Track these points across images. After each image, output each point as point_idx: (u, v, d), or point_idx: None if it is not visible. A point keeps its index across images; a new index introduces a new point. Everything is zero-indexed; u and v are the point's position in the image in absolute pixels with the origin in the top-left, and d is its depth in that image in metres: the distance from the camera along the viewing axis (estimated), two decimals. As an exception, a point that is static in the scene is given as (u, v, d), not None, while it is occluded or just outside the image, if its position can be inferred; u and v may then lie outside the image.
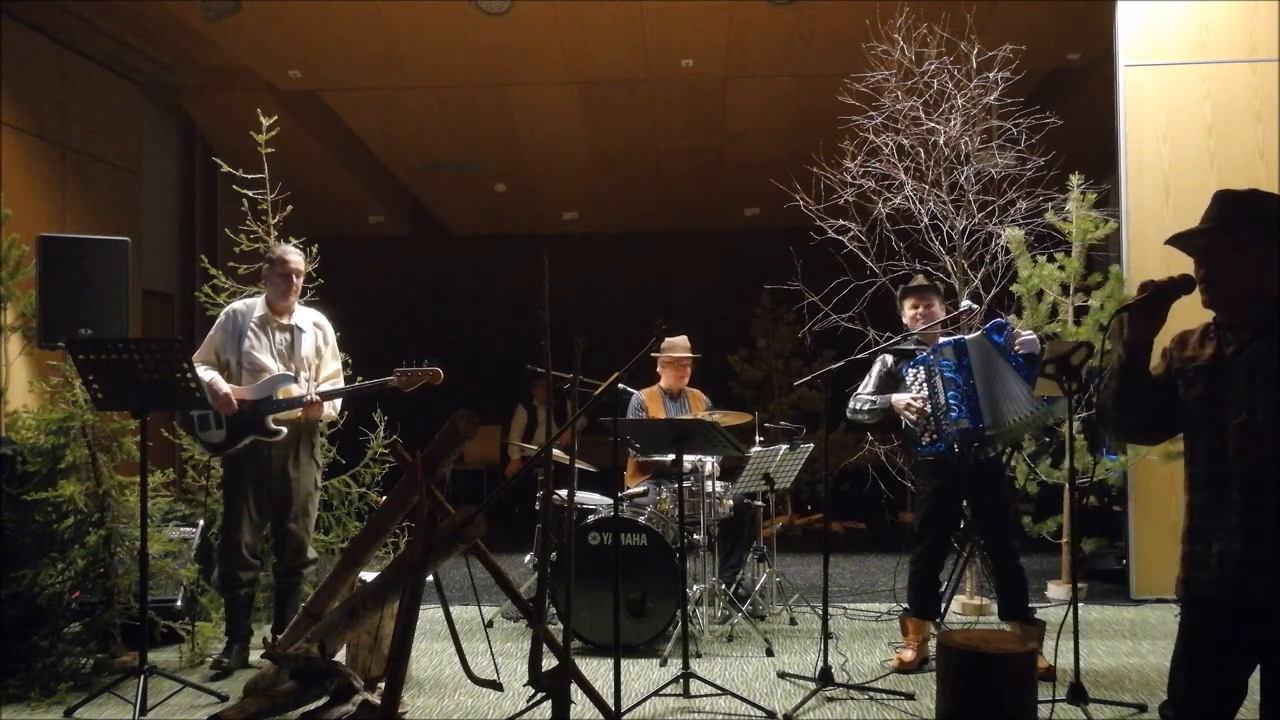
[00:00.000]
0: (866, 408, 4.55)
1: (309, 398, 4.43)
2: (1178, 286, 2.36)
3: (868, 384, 4.64)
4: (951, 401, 4.24)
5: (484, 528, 2.98)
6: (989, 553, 4.57)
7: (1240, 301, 2.36)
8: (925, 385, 4.34)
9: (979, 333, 4.37)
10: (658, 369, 5.86)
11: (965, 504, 4.60)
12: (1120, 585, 6.03)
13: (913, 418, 4.38)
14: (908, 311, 4.65)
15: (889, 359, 4.61)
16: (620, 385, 3.60)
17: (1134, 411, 2.46)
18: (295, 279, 4.56)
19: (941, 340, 4.40)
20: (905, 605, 4.58)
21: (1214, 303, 2.39)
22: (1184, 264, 2.45)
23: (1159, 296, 2.36)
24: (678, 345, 5.76)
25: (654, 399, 5.77)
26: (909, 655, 4.42)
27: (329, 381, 4.66)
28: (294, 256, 4.60)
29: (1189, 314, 2.46)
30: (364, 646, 4.04)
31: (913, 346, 4.54)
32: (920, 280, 4.81)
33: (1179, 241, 2.43)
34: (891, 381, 4.57)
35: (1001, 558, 4.41)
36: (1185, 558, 2.42)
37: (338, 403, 4.68)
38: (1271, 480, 2.25)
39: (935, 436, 4.31)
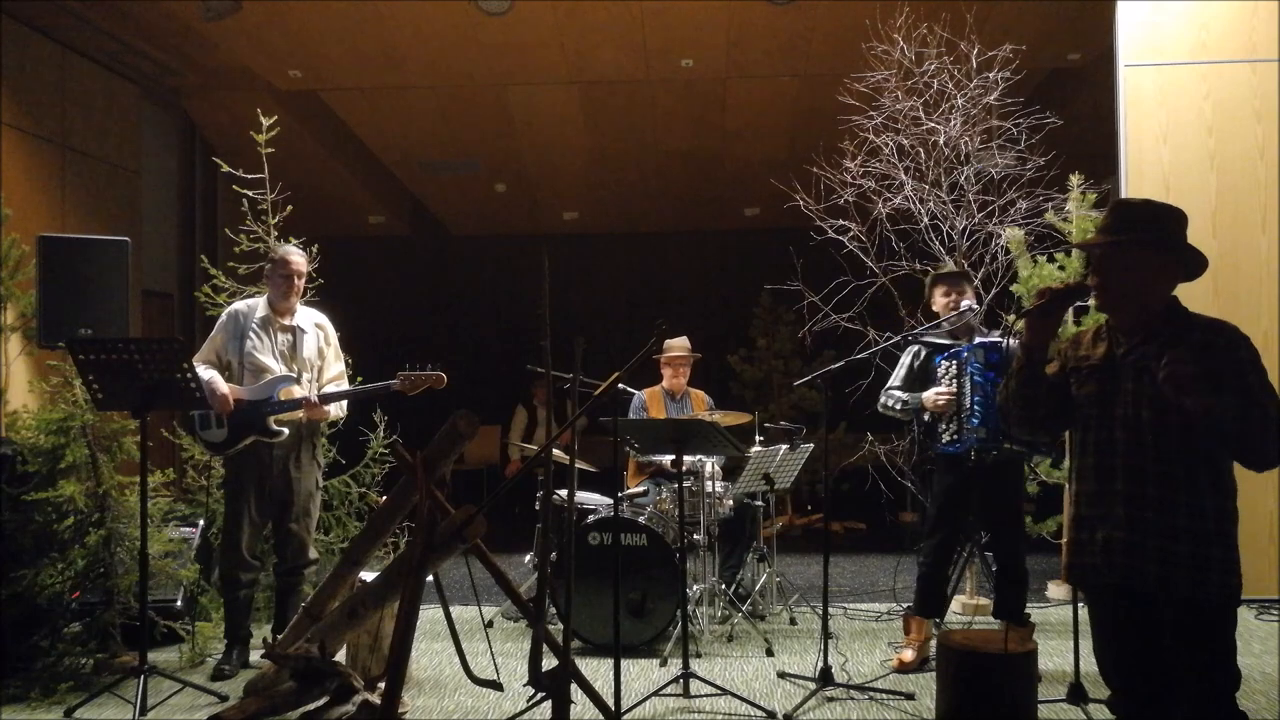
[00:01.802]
0: (899, 406, 4.46)
1: (309, 399, 4.43)
2: (1073, 293, 2.55)
3: (898, 375, 4.56)
4: (976, 407, 4.14)
5: (484, 528, 2.97)
6: (996, 550, 4.51)
7: (1130, 307, 2.50)
8: (955, 381, 4.24)
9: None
10: (659, 368, 5.86)
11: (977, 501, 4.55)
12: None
13: (942, 406, 4.26)
14: (939, 300, 4.53)
15: (921, 350, 4.50)
16: (621, 385, 3.60)
17: (1030, 409, 2.63)
18: (297, 280, 4.56)
19: (978, 339, 4.31)
20: (908, 604, 4.55)
21: (1106, 307, 2.55)
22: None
23: (1055, 302, 2.54)
24: (676, 345, 5.77)
25: (655, 399, 5.77)
26: (909, 655, 4.40)
27: (333, 382, 4.66)
28: (296, 257, 4.60)
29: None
30: (364, 646, 4.04)
31: (945, 341, 4.43)
32: (952, 267, 4.73)
33: (1079, 249, 2.58)
34: (921, 375, 4.48)
35: (1007, 558, 4.36)
36: (1070, 545, 2.57)
37: (343, 403, 4.68)
38: (1153, 472, 2.40)
39: (956, 437, 4.23)
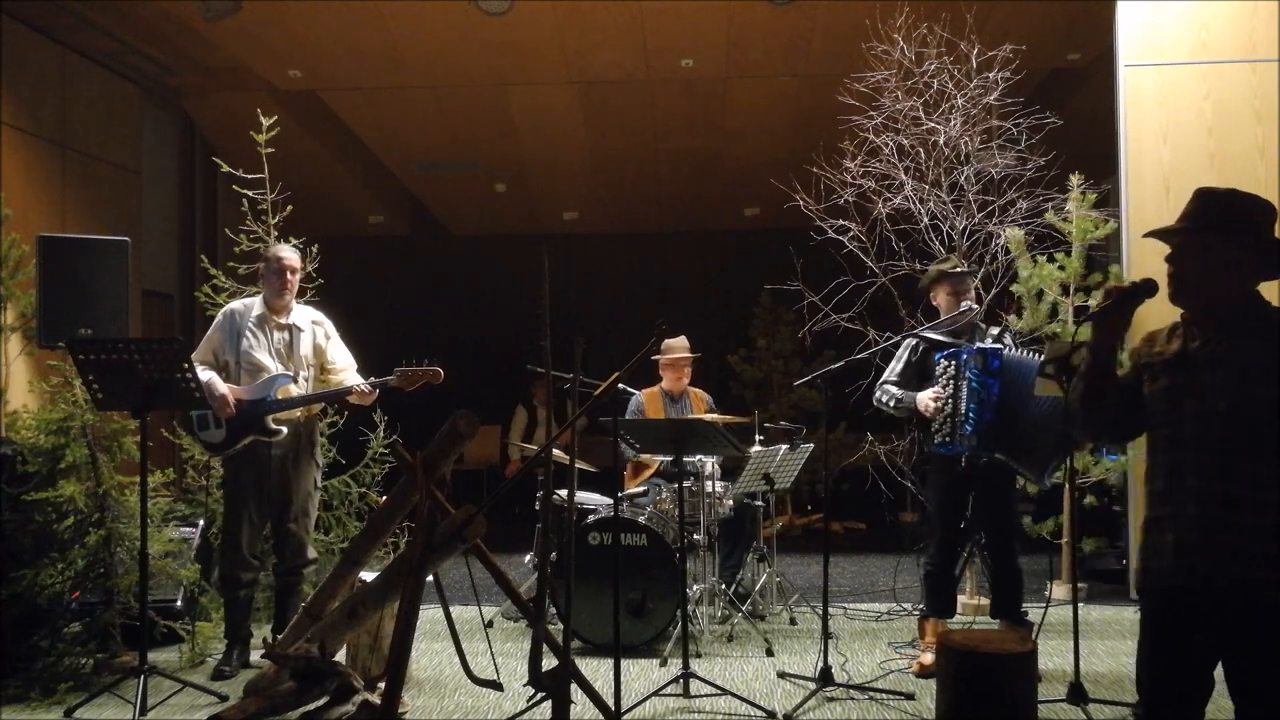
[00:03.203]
0: (893, 404, 4.43)
1: (360, 387, 4.46)
2: (1141, 290, 2.43)
3: (893, 369, 4.52)
4: (970, 413, 4.10)
5: (484, 528, 2.97)
6: (989, 550, 4.52)
7: (1206, 299, 2.39)
8: (951, 383, 4.20)
9: (1022, 352, 4.23)
10: (659, 370, 5.86)
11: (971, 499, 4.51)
12: (1120, 585, 6.03)
13: (933, 411, 4.25)
14: (943, 297, 4.48)
15: (919, 346, 4.46)
16: (621, 385, 3.60)
17: (1099, 412, 2.52)
18: (292, 277, 4.56)
19: (978, 344, 4.26)
20: (909, 604, 4.54)
21: (1180, 298, 2.43)
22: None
23: (1122, 301, 2.43)
24: (676, 346, 5.76)
25: (654, 399, 5.76)
26: (929, 659, 4.32)
27: (346, 371, 4.67)
28: (290, 255, 4.60)
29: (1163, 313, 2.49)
30: (364, 646, 4.04)
31: (944, 338, 4.38)
32: (957, 264, 4.63)
33: (1156, 235, 2.48)
34: (918, 370, 4.44)
35: (1000, 557, 4.37)
36: (1142, 549, 2.45)
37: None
38: (1223, 466, 2.29)
39: (948, 438, 4.21)
